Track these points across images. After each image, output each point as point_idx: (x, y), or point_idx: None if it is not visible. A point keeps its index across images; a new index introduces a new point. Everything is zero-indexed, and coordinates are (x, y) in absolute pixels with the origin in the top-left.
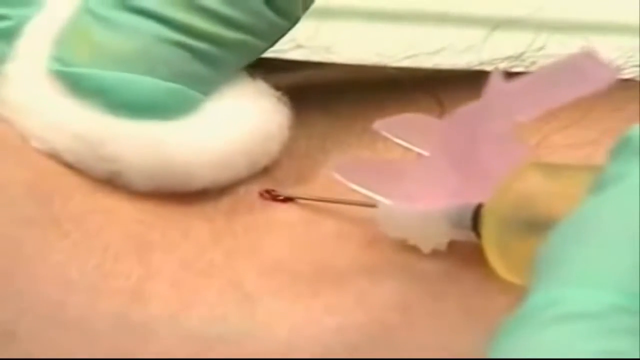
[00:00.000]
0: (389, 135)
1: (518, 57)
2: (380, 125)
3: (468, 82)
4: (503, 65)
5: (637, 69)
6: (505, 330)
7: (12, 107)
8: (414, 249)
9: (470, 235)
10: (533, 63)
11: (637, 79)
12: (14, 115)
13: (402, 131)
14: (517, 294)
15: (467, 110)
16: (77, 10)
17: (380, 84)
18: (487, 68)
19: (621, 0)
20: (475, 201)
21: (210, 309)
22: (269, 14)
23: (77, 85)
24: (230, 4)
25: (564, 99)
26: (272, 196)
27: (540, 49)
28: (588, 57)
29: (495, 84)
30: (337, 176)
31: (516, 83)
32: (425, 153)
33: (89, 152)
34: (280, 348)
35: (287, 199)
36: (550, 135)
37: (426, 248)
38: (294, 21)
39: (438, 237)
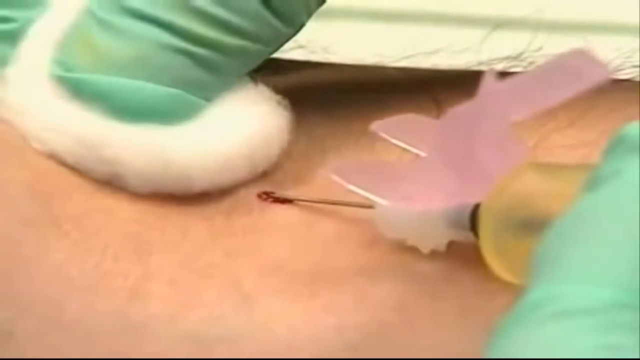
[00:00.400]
0: (386, 136)
1: (517, 57)
2: (378, 126)
3: (466, 82)
4: (502, 66)
5: (636, 69)
6: (503, 327)
7: (13, 108)
8: (412, 250)
9: (468, 236)
10: (531, 63)
11: (636, 79)
12: (14, 116)
13: (400, 132)
14: (516, 293)
15: (461, 111)
16: (81, 15)
17: (378, 84)
18: (486, 68)
19: (620, 1)
20: (473, 201)
21: (209, 309)
22: (272, 20)
23: (79, 90)
24: (232, 10)
25: (558, 98)
26: (270, 197)
27: (539, 49)
28: (582, 56)
29: (489, 84)
30: (335, 178)
31: (510, 82)
32: (423, 154)
33: (89, 154)
34: (279, 348)
35: (286, 201)
36: (548, 136)
37: (425, 249)
38: (297, 27)
39: (436, 237)
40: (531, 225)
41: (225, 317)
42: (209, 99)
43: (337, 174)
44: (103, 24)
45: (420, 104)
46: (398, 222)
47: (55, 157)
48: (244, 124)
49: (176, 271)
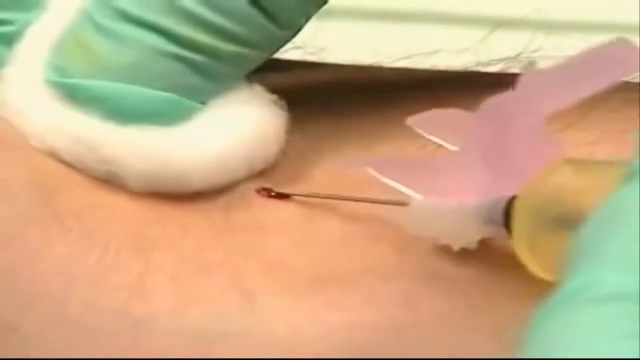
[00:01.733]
0: (422, 132)
1: (515, 58)
2: (413, 121)
3: (465, 83)
4: (500, 66)
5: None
6: (540, 316)
7: (10, 108)
8: (418, 247)
9: (500, 232)
10: (530, 65)
11: (636, 80)
12: (12, 116)
13: (435, 127)
14: (528, 294)
15: (496, 102)
16: (78, 18)
17: (376, 85)
18: (484, 69)
19: (620, 1)
20: (506, 196)
21: (211, 306)
22: (268, 25)
23: (74, 94)
24: (228, 16)
25: (593, 89)
26: (269, 194)
27: (537, 50)
28: (620, 45)
29: (528, 77)
30: (371, 171)
31: (547, 74)
32: (456, 148)
33: (87, 153)
34: (280, 346)
35: (285, 196)
36: None
37: (456, 246)
38: (294, 31)
39: (470, 234)
40: (564, 221)
41: (227, 314)
42: (205, 103)
43: (372, 167)
44: (100, 28)
45: (419, 104)
46: (432, 218)
47: (54, 155)
48: (240, 124)
49: (177, 267)
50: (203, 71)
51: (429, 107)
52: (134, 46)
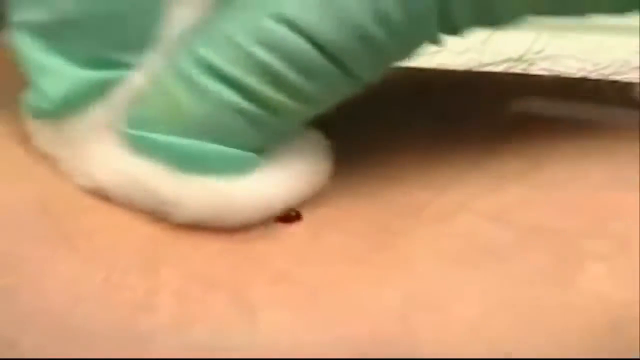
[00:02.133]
0: None
1: (518, 59)
2: None
3: (470, 83)
4: (503, 67)
5: (636, 70)
6: None
7: (75, 146)
8: (416, 258)
9: None
10: (532, 65)
11: (636, 81)
12: (68, 151)
13: None
14: None
15: None
16: (168, 67)
17: (380, 86)
18: (487, 69)
19: None
20: None
21: (215, 320)
22: (350, 86)
23: (144, 147)
24: (310, 78)
25: None
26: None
27: (540, 51)
28: None
29: None
30: None
31: None
32: None
33: (141, 192)
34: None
35: (297, 216)
36: None
37: None
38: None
39: None
40: None
41: (231, 328)
42: (266, 156)
43: None
44: (190, 85)
45: (423, 106)
46: None
47: (98, 192)
48: (290, 176)
49: (183, 283)
50: (274, 132)
51: (433, 109)
52: (211, 99)
